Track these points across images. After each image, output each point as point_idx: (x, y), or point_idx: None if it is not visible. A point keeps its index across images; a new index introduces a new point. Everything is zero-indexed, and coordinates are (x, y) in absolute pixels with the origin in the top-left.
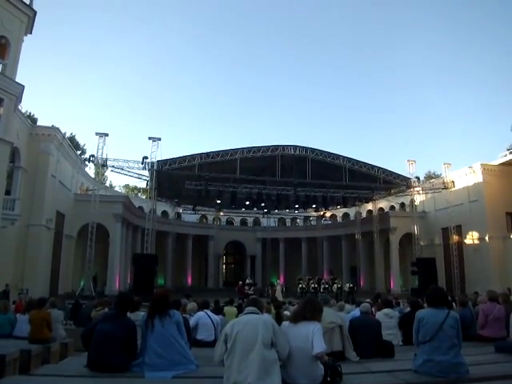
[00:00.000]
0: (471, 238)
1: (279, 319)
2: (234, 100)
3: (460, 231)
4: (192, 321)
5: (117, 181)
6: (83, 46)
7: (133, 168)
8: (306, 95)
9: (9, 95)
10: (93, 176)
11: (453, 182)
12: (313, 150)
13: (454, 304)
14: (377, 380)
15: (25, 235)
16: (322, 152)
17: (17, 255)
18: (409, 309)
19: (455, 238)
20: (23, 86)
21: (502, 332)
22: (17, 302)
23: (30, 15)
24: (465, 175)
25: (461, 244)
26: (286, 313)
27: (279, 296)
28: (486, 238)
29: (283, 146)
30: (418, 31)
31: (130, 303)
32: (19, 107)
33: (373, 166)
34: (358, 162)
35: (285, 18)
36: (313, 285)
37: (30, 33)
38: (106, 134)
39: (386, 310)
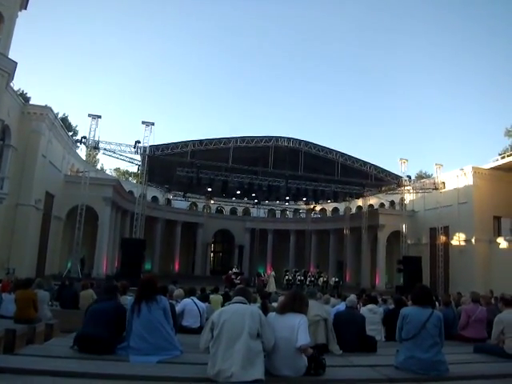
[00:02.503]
0: (458, 239)
1: (265, 309)
2: (230, 90)
3: (447, 232)
4: (178, 307)
5: (108, 164)
6: (80, 28)
7: (125, 152)
8: (301, 89)
9: (0, 71)
10: (84, 158)
11: (443, 183)
12: (306, 143)
13: (437, 303)
14: (359, 374)
15: (13, 215)
16: (315, 145)
17: (4, 234)
18: (392, 306)
19: (442, 238)
20: (16, 63)
21: (483, 333)
22: (3, 281)
23: None
24: (456, 177)
25: (447, 245)
26: (275, 304)
27: (272, 286)
28: (473, 240)
29: (277, 138)
30: (415, 33)
31: (117, 289)
32: (11, 84)
33: (365, 163)
34: (350, 157)
35: (285, 13)
36: (299, 277)
37: (25, 8)
38: (99, 116)
39: (370, 306)
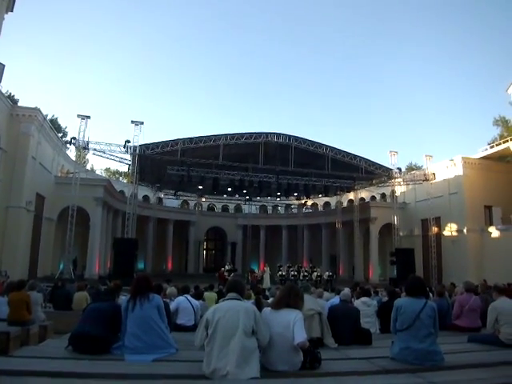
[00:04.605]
0: (450, 229)
1: (259, 305)
2: (219, 85)
3: (439, 223)
4: (172, 305)
5: (98, 164)
6: (66, 27)
7: (115, 152)
8: (289, 80)
9: None
10: (74, 159)
11: (434, 174)
12: (296, 138)
13: (430, 294)
14: (355, 366)
15: (4, 217)
16: (305, 140)
17: None
18: (387, 298)
19: (434, 229)
20: (3, 65)
21: (477, 322)
22: None
23: None
24: (445, 168)
25: (439, 235)
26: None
27: (267, 282)
28: (464, 230)
29: (266, 134)
30: (406, 23)
31: (116, 291)
32: None
33: (355, 156)
34: (340, 151)
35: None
36: (292, 272)
37: (11, 10)
38: (88, 117)
39: (363, 299)
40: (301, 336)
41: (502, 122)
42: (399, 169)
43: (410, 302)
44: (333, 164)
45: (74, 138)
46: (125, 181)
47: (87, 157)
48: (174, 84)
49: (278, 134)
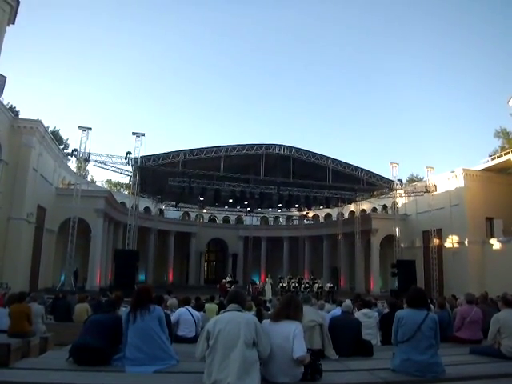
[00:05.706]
0: (451, 241)
1: (260, 316)
2: (220, 96)
3: (440, 235)
4: (173, 317)
5: (99, 176)
6: (68, 40)
7: (116, 163)
8: (292, 94)
9: None
10: (75, 170)
11: (435, 185)
12: (297, 150)
13: (432, 306)
14: (356, 378)
15: (5, 228)
16: (306, 152)
17: None
18: (387, 310)
19: (435, 241)
20: (5, 78)
21: (478, 334)
22: None
23: (13, 5)
24: (447, 179)
25: (440, 247)
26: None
27: (269, 293)
28: (466, 242)
29: (268, 145)
30: (406, 34)
31: (117, 302)
32: (0, 99)
33: (356, 168)
34: (341, 162)
35: (281, 19)
36: (294, 284)
37: (13, 23)
38: (90, 128)
39: (364, 310)
40: (300, 350)
41: (503, 133)
42: (400, 180)
43: (412, 313)
44: (334, 175)
45: (75, 150)
46: (126, 192)
47: (88, 168)
48: (175, 95)
49: (279, 146)
